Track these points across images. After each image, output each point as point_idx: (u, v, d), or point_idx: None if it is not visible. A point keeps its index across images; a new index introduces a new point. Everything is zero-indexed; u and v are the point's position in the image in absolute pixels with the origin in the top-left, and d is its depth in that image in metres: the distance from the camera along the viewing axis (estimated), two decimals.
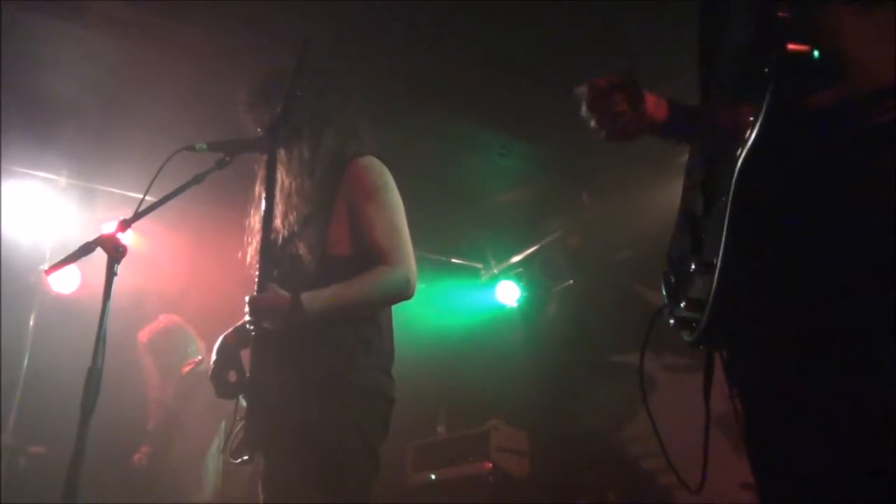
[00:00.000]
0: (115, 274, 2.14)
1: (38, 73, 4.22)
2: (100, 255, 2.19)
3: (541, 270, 6.37)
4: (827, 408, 1.26)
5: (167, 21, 4.08)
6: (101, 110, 4.55)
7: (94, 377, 2.02)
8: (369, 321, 2.41)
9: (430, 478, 5.43)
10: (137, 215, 2.33)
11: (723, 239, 1.25)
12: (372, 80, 4.19)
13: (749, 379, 1.39)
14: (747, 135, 1.21)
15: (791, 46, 1.19)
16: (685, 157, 1.64)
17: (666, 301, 1.52)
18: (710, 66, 1.53)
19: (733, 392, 1.42)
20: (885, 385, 1.28)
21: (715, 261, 1.27)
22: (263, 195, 2.40)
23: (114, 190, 5.22)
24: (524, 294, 6.50)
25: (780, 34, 1.21)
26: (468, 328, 6.52)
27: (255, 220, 2.57)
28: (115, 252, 2.15)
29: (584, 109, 1.67)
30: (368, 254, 2.38)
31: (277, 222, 2.43)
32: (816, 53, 1.18)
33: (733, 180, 1.23)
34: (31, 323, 4.98)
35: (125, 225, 2.25)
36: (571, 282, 6.16)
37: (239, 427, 2.31)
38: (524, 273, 6.51)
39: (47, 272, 2.48)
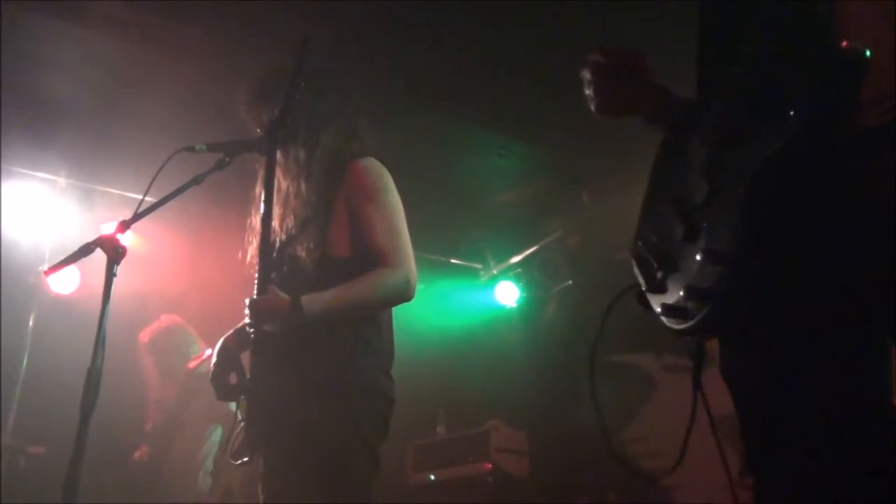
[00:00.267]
0: (115, 275, 2.14)
1: (38, 73, 4.22)
2: (99, 256, 2.20)
3: (540, 271, 6.37)
4: (826, 407, 1.26)
5: (167, 21, 4.07)
6: (101, 110, 4.55)
7: (93, 377, 2.02)
8: (369, 321, 2.41)
9: (430, 478, 5.43)
10: (137, 216, 2.32)
11: (736, 229, 1.23)
12: (371, 80, 4.19)
13: (747, 376, 1.39)
14: (785, 127, 1.19)
15: (846, 44, 1.17)
16: None
17: (644, 286, 1.49)
18: (711, 66, 1.52)
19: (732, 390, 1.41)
20: (884, 385, 1.28)
21: (723, 249, 1.25)
22: (263, 196, 2.40)
23: (113, 190, 5.22)
24: (523, 294, 6.50)
25: (825, 32, 1.19)
26: (467, 329, 6.52)
27: (256, 220, 2.57)
28: (115, 253, 2.15)
29: (587, 74, 1.62)
30: (368, 255, 2.38)
31: (275, 224, 2.42)
32: (868, 52, 1.16)
33: (759, 169, 1.21)
34: (31, 323, 4.98)
35: (125, 226, 2.25)
36: (571, 282, 6.16)
37: (239, 428, 2.31)
38: (523, 273, 6.51)
39: (47, 273, 2.48)
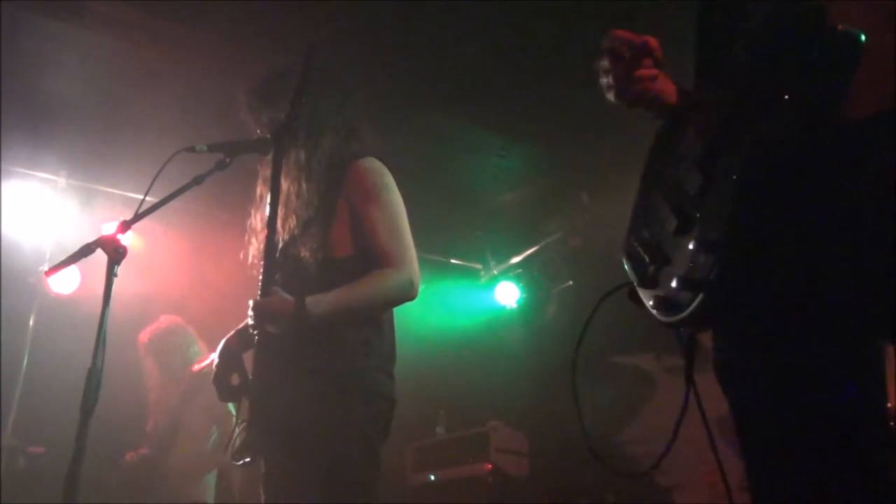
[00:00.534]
0: (115, 275, 2.13)
1: (38, 73, 4.22)
2: (100, 256, 2.19)
3: (540, 271, 6.37)
4: (821, 408, 1.26)
5: (167, 21, 4.08)
6: (101, 111, 4.55)
7: (93, 378, 2.02)
8: (370, 322, 2.40)
9: (430, 479, 5.44)
10: (138, 216, 2.32)
11: (730, 217, 1.22)
12: (372, 81, 4.19)
13: (739, 373, 1.38)
14: (782, 113, 1.19)
15: (842, 27, 1.17)
16: None
17: (636, 280, 1.47)
18: (707, 57, 1.51)
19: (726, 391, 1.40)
20: (880, 386, 1.28)
21: (717, 237, 1.24)
22: (265, 197, 2.40)
23: (113, 190, 5.21)
24: (524, 295, 6.50)
25: (822, 16, 1.19)
26: (468, 329, 6.52)
27: (256, 220, 2.57)
28: (116, 253, 2.14)
29: (604, 62, 1.60)
30: (371, 256, 2.38)
31: (277, 225, 2.42)
32: (864, 37, 1.16)
33: (755, 156, 1.20)
34: (31, 323, 4.98)
35: (125, 226, 2.25)
36: (571, 283, 6.16)
37: (241, 429, 2.31)
38: (524, 274, 6.51)
39: (47, 273, 2.47)
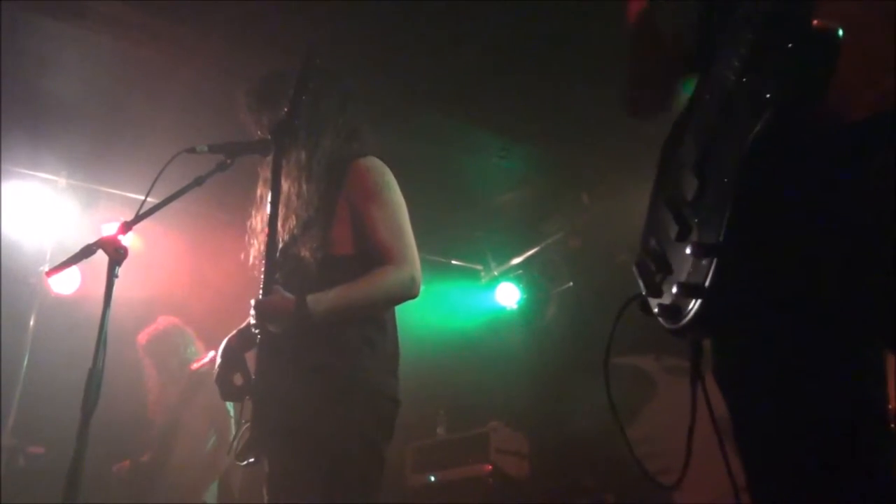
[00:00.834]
0: (116, 276, 2.14)
1: (38, 73, 4.22)
2: (101, 257, 2.19)
3: (541, 272, 6.37)
4: (821, 412, 1.26)
5: (167, 22, 4.08)
6: (102, 111, 4.55)
7: (94, 378, 2.02)
8: (373, 322, 2.40)
9: (430, 479, 5.44)
10: (139, 217, 2.32)
11: (724, 219, 1.22)
12: (372, 82, 4.19)
13: (739, 378, 1.38)
14: (763, 111, 1.19)
15: (818, 23, 1.17)
16: None
17: (644, 290, 1.48)
18: (707, 54, 1.51)
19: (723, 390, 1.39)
20: (879, 386, 1.28)
21: (713, 241, 1.24)
22: (266, 198, 2.40)
23: (113, 191, 5.22)
24: (524, 296, 6.49)
25: (805, 9, 1.19)
26: (468, 330, 6.52)
27: (257, 221, 2.57)
28: (116, 254, 2.15)
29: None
30: (372, 253, 2.37)
31: (278, 226, 2.42)
32: (841, 32, 1.16)
33: (742, 156, 1.20)
34: (32, 324, 4.98)
35: (126, 227, 2.25)
36: (571, 284, 6.16)
37: (244, 429, 2.31)
38: (524, 275, 6.51)
39: (48, 274, 2.48)
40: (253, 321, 2.29)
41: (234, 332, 2.53)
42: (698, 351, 1.42)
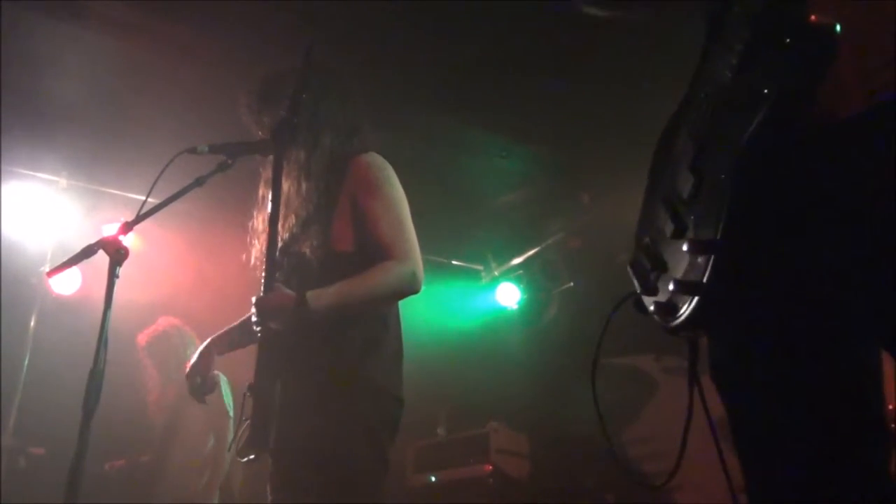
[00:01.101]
0: (117, 276, 2.14)
1: (39, 73, 4.22)
2: (101, 257, 2.20)
3: (541, 272, 6.37)
4: (817, 411, 1.26)
5: (167, 22, 4.08)
6: (102, 111, 4.55)
7: (95, 379, 2.02)
8: (376, 319, 2.39)
9: (430, 479, 5.44)
10: (139, 217, 2.32)
11: (721, 216, 1.22)
12: (372, 82, 4.19)
13: (735, 376, 1.38)
14: (760, 107, 1.19)
15: (815, 18, 1.17)
16: None
17: (639, 289, 1.48)
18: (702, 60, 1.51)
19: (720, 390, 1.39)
20: (876, 386, 1.28)
21: (709, 238, 1.24)
22: (267, 198, 2.40)
23: (114, 191, 5.22)
24: (524, 296, 6.50)
25: (801, 4, 1.19)
26: (468, 330, 6.52)
27: (258, 222, 2.57)
28: (117, 254, 2.15)
29: None
30: (373, 249, 2.36)
31: (278, 225, 2.42)
32: (839, 28, 1.16)
33: (739, 152, 1.20)
34: (32, 324, 4.99)
35: (127, 227, 2.25)
36: (572, 284, 6.16)
37: (245, 426, 2.30)
38: (524, 275, 6.51)
39: (49, 274, 2.48)
40: (254, 319, 2.29)
41: (222, 330, 2.55)
42: (695, 350, 1.42)
